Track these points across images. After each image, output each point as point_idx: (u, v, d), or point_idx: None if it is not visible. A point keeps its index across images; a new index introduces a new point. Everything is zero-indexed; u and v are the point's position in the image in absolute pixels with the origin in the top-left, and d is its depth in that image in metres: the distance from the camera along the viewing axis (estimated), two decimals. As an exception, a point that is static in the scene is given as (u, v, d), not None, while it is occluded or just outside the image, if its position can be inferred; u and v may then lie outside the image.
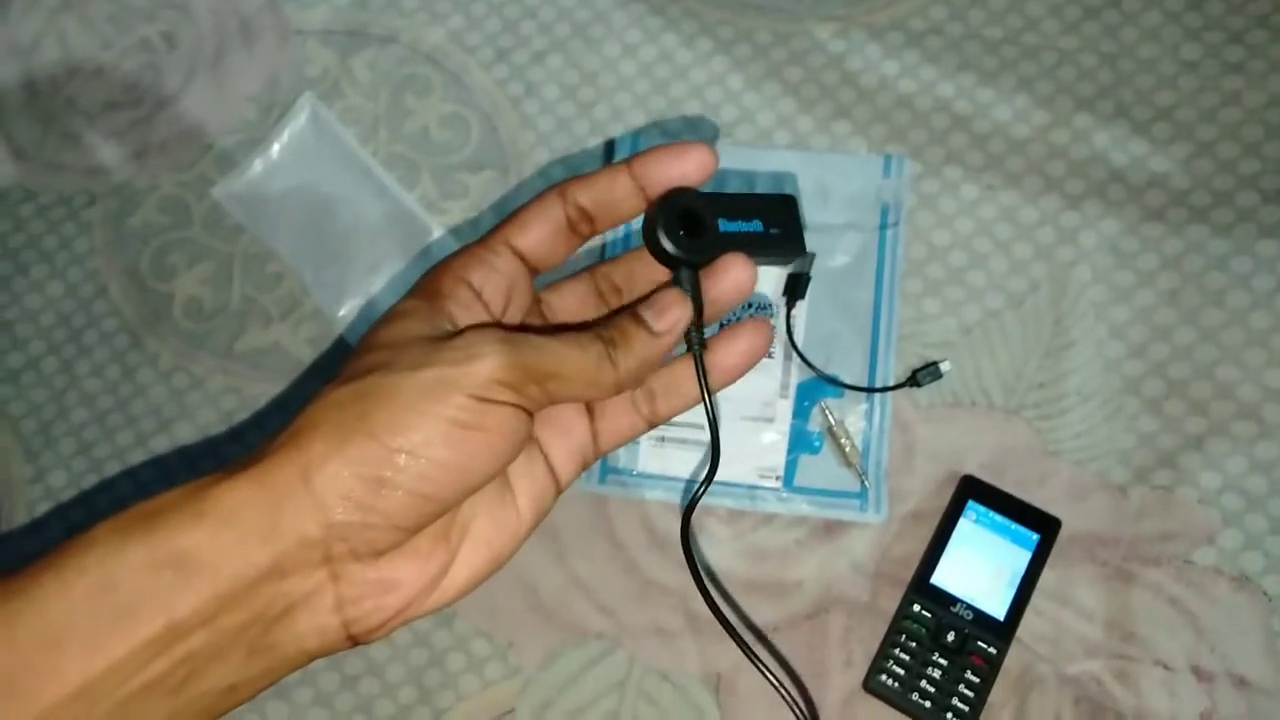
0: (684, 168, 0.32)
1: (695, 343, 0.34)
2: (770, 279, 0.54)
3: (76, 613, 0.25)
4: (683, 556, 0.53)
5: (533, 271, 0.32)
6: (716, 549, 0.52)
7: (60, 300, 0.60)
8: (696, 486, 0.38)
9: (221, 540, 0.26)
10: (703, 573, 0.51)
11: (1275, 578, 0.48)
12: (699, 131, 0.58)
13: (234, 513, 0.26)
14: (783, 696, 0.39)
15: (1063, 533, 0.49)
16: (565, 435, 0.33)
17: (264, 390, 0.57)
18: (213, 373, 0.58)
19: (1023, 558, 0.49)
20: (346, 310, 0.57)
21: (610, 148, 0.58)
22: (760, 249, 0.34)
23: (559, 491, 0.34)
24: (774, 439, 0.53)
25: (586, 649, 0.51)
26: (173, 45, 0.63)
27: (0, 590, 0.26)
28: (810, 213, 0.55)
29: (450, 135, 0.59)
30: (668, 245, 0.32)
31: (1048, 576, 0.49)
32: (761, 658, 0.50)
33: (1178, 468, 0.50)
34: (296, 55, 0.61)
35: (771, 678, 0.39)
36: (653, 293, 0.32)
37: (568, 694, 0.51)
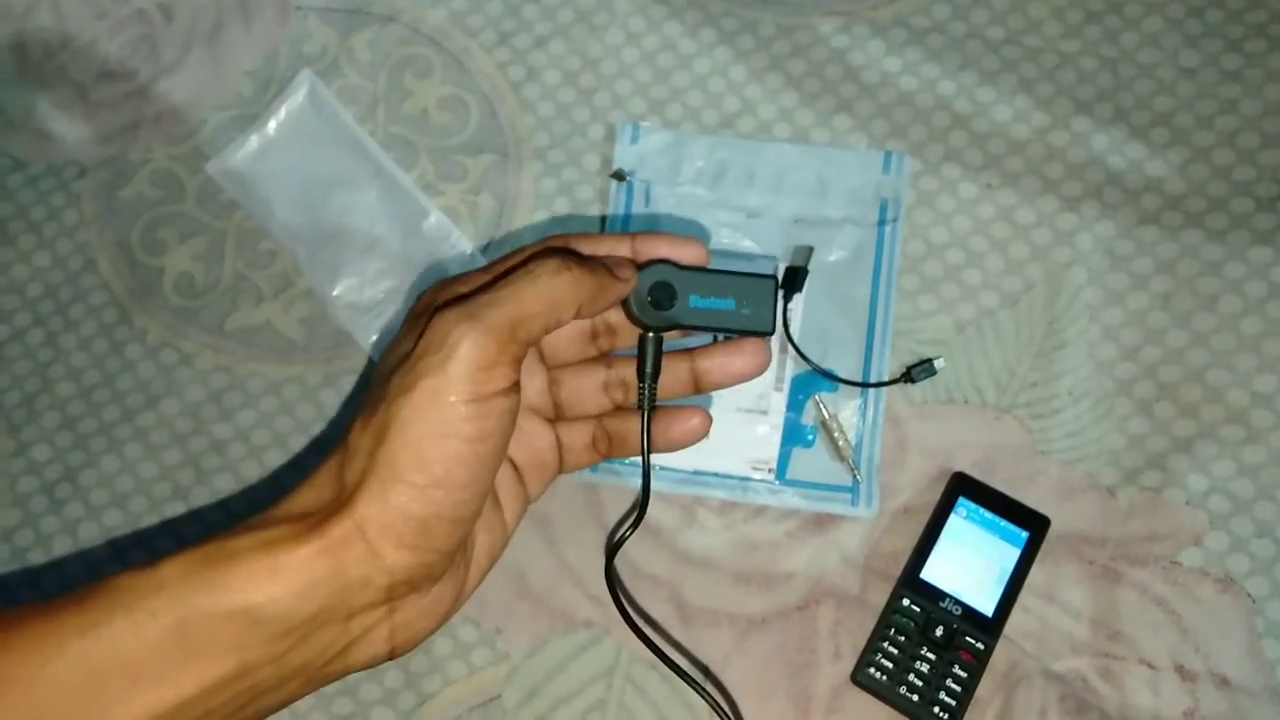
0: (678, 255, 0.37)
1: (646, 402, 0.38)
2: (768, 272, 0.54)
3: (150, 650, 0.27)
4: (674, 547, 0.54)
5: None
6: (708, 539, 0.52)
7: (48, 272, 0.59)
8: (624, 529, 0.43)
9: (294, 595, 0.28)
10: (691, 563, 0.51)
11: (1259, 580, 0.49)
12: (700, 122, 0.57)
13: (305, 570, 0.28)
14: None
15: (1051, 531, 0.49)
16: (536, 457, 0.38)
17: (254, 369, 0.56)
18: (202, 350, 0.57)
19: (1012, 555, 0.49)
20: (340, 290, 0.56)
21: (613, 171, 0.58)
22: (728, 324, 0.38)
23: (530, 502, 0.39)
24: (767, 431, 0.53)
25: (575, 637, 0.51)
26: (170, 17, 0.62)
27: (70, 620, 0.27)
28: (809, 207, 0.55)
29: (449, 117, 0.59)
30: (635, 311, 0.36)
31: (1036, 574, 0.49)
32: (750, 649, 0.51)
33: (1166, 470, 0.50)
34: (296, 31, 0.61)
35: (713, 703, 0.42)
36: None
37: (555, 681, 0.50)
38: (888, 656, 0.48)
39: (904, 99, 0.57)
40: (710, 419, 0.39)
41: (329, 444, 0.55)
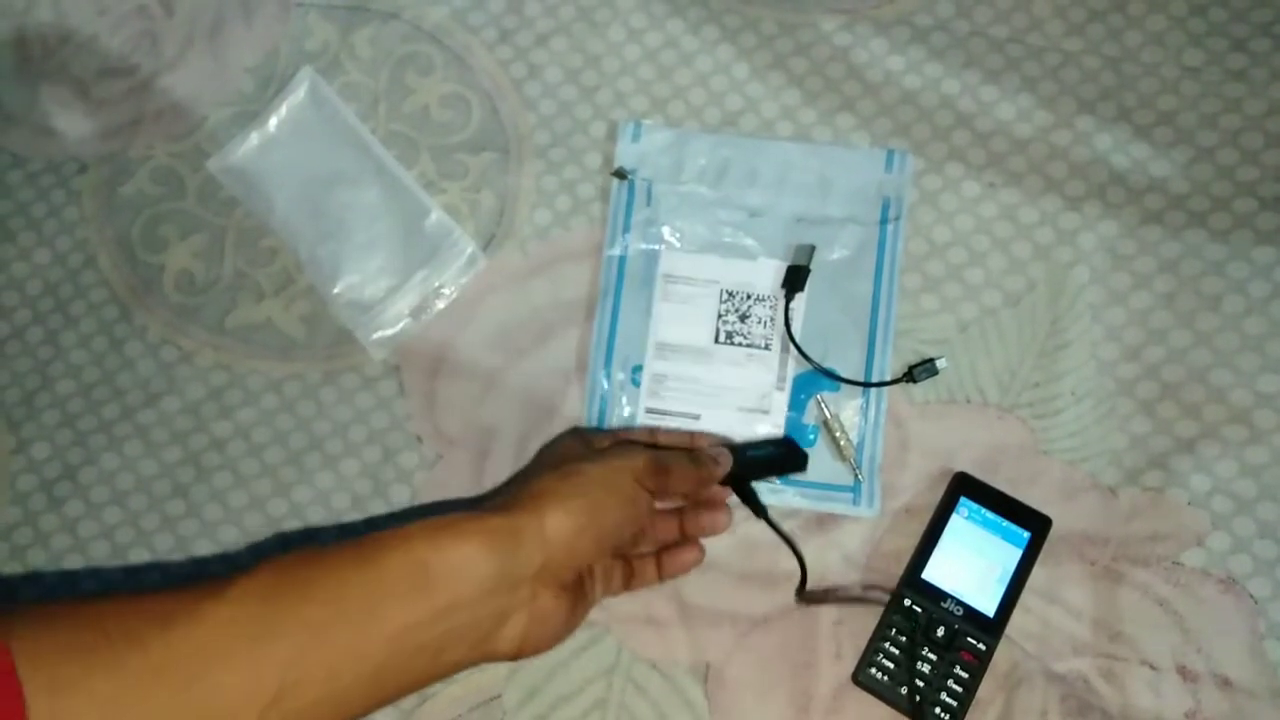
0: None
1: (765, 518, 0.49)
2: (770, 272, 0.54)
3: (407, 577, 0.37)
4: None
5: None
6: (709, 540, 0.51)
7: (47, 269, 0.59)
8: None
9: (490, 552, 0.39)
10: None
11: (1262, 581, 0.49)
12: (702, 119, 0.57)
13: (500, 537, 0.39)
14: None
15: (1053, 531, 0.49)
16: (607, 580, 0.48)
17: (254, 366, 0.56)
18: (202, 347, 0.57)
19: (1013, 555, 0.49)
20: (340, 288, 0.56)
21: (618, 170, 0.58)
22: (775, 464, 0.50)
23: (592, 605, 0.47)
24: (769, 431, 0.52)
25: (576, 636, 0.51)
26: (170, 13, 0.62)
27: (361, 549, 0.38)
28: (811, 205, 0.55)
29: (451, 115, 0.59)
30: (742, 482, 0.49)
31: (1037, 574, 0.49)
32: (752, 648, 0.51)
33: (1168, 470, 0.50)
34: (297, 28, 0.61)
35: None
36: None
37: (555, 680, 0.50)
38: (889, 657, 0.48)
39: (907, 97, 0.57)
40: (704, 552, 0.49)
41: (329, 442, 0.55)
